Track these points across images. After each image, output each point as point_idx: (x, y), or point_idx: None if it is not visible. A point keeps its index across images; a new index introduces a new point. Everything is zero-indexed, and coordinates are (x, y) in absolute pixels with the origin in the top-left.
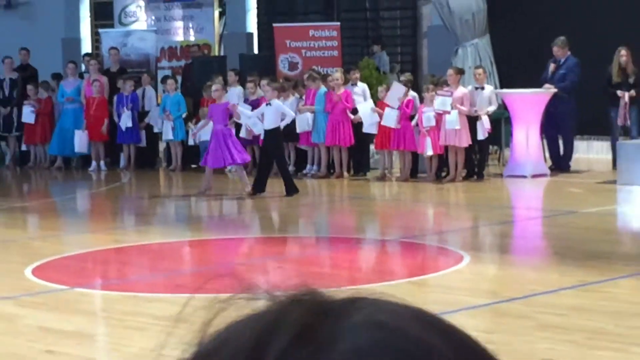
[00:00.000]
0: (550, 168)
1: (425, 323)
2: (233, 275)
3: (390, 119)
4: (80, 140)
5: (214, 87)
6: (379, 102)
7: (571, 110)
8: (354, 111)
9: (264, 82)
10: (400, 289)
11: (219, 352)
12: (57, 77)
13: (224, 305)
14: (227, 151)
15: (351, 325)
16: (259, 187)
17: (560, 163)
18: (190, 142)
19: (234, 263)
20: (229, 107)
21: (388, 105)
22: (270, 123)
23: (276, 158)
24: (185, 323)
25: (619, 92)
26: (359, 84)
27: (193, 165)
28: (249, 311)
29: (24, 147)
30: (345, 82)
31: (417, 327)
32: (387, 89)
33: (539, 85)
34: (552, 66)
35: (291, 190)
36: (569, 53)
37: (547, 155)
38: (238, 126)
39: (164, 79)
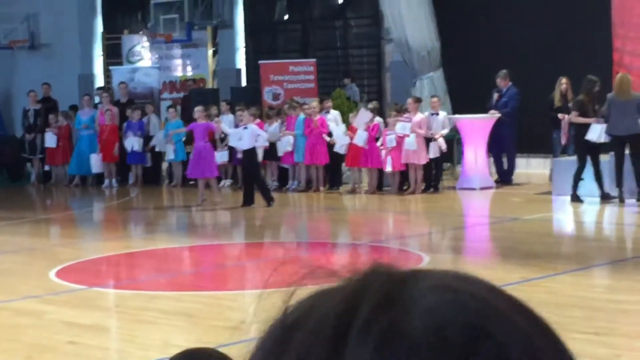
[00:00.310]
0: (496, 181)
1: (489, 288)
2: (301, 262)
3: (361, 139)
4: (95, 162)
5: (196, 109)
6: (350, 127)
7: (512, 132)
8: (329, 134)
9: (239, 108)
10: None
11: (308, 317)
12: (75, 107)
13: (303, 281)
14: (206, 165)
15: (424, 290)
16: (248, 201)
17: (504, 177)
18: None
19: (215, 269)
20: (211, 125)
21: (357, 129)
22: (246, 144)
23: (253, 173)
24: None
25: (560, 116)
26: (332, 111)
27: (191, 182)
28: (326, 290)
29: (46, 168)
30: (321, 110)
31: (483, 290)
32: (357, 115)
33: (485, 111)
34: (495, 95)
35: (268, 200)
36: (510, 83)
37: (493, 170)
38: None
39: (167, 109)
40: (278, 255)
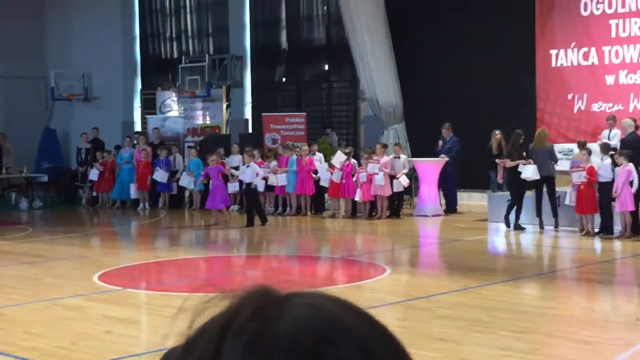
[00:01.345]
0: (444, 210)
1: (346, 306)
2: (214, 285)
3: (337, 176)
4: (133, 190)
5: (210, 158)
6: (331, 166)
7: (454, 171)
8: (315, 172)
9: (247, 150)
10: (344, 292)
11: (203, 334)
12: (118, 147)
13: (207, 304)
14: (218, 198)
15: (292, 306)
16: (250, 222)
17: (450, 207)
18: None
19: (224, 274)
20: (221, 167)
21: (336, 168)
22: (248, 178)
23: (253, 200)
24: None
25: (497, 160)
26: (317, 153)
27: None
28: (223, 305)
29: (94, 194)
30: (309, 152)
31: (339, 308)
32: (334, 157)
33: (434, 156)
34: (440, 143)
35: (263, 221)
36: (452, 134)
37: (443, 201)
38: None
39: (189, 149)
40: (272, 266)
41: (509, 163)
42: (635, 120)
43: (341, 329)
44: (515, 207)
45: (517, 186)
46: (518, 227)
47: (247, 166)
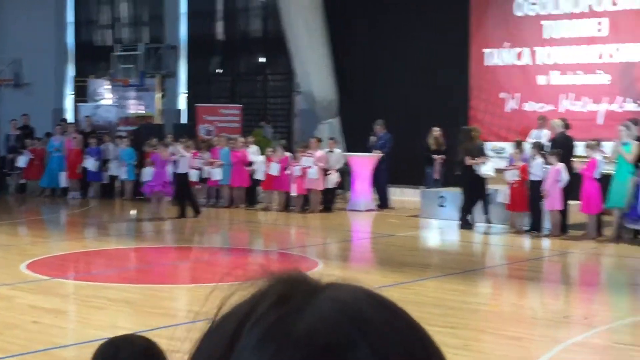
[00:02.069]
0: (377, 205)
1: (378, 304)
2: (250, 265)
3: (274, 169)
4: (63, 178)
5: (160, 148)
6: (267, 158)
7: (387, 167)
8: (249, 164)
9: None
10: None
11: (226, 319)
12: (48, 134)
13: (237, 287)
14: (162, 183)
15: (318, 299)
16: (182, 213)
17: (383, 202)
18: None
19: (154, 266)
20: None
21: (273, 160)
22: (182, 169)
23: (186, 191)
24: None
25: (434, 156)
26: (252, 146)
27: (138, 197)
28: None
29: (22, 181)
30: (244, 144)
31: (370, 306)
32: (274, 151)
33: (367, 151)
34: (373, 138)
35: (197, 212)
36: (385, 130)
37: (376, 196)
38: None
39: (120, 137)
40: (204, 258)
41: (470, 161)
42: (565, 120)
43: (368, 331)
44: (472, 204)
45: (474, 184)
46: (467, 224)
47: (182, 156)
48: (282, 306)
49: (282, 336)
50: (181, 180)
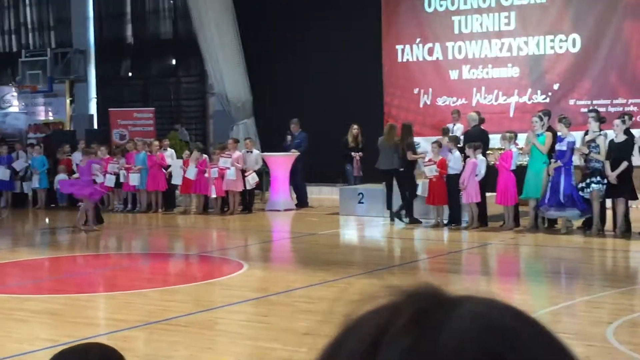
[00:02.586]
0: (296, 205)
1: (519, 318)
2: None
3: (191, 173)
4: None
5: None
6: (184, 161)
7: (303, 166)
8: (166, 167)
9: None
10: (202, 289)
11: (356, 329)
12: None
13: (369, 298)
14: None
15: (458, 315)
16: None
17: (301, 201)
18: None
19: (73, 275)
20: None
21: (189, 163)
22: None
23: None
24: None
25: (353, 154)
26: (168, 149)
27: (52, 205)
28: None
29: None
30: (159, 147)
31: (513, 320)
32: (190, 154)
33: (283, 150)
34: (289, 137)
35: (99, 220)
36: (300, 129)
37: (294, 196)
38: None
39: (32, 145)
40: (124, 264)
41: (413, 156)
42: (479, 114)
43: (515, 346)
44: (413, 199)
45: (412, 180)
46: (414, 220)
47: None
48: (420, 323)
49: (427, 354)
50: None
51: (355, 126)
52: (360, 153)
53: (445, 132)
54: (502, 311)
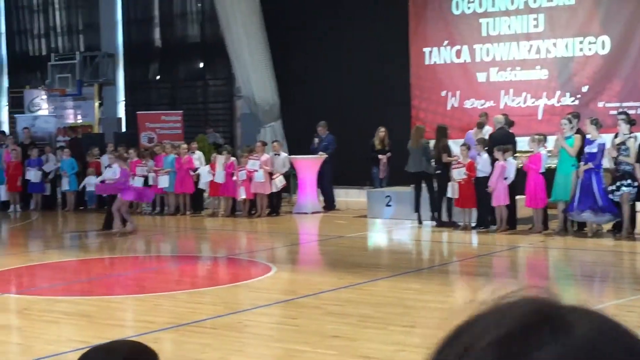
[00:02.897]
0: (323, 207)
1: (621, 343)
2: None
3: (219, 177)
4: (3, 191)
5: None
6: (211, 164)
7: (331, 169)
8: (194, 170)
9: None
10: (231, 291)
11: (450, 345)
12: None
13: (501, 297)
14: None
15: (560, 337)
16: (108, 225)
17: (329, 204)
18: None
19: (103, 277)
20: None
21: (217, 166)
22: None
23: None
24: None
25: (379, 156)
26: (197, 152)
27: (81, 207)
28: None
29: None
30: (188, 150)
31: (616, 348)
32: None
33: (311, 153)
34: (316, 140)
35: (124, 222)
36: (327, 131)
37: (321, 198)
38: None
39: (61, 148)
40: (152, 267)
41: (448, 158)
42: (507, 116)
43: None
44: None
45: (445, 181)
46: (447, 223)
47: (109, 166)
48: (507, 345)
49: None
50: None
51: (382, 129)
52: (388, 154)
53: (481, 125)
54: (608, 335)
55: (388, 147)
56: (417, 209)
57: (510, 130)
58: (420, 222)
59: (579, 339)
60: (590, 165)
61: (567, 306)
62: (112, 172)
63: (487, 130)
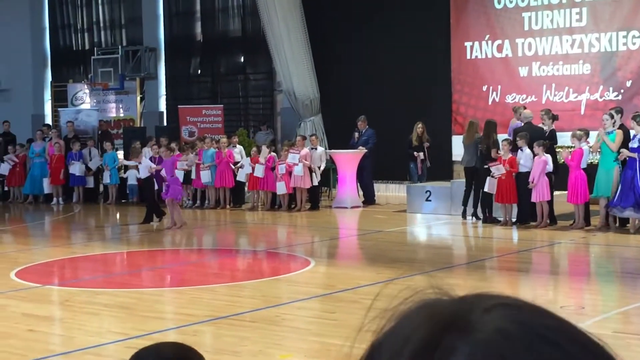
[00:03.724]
0: (362, 202)
1: (539, 333)
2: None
3: (259, 171)
4: (46, 184)
5: (162, 150)
6: (252, 158)
7: (371, 163)
8: (234, 164)
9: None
10: (270, 284)
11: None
12: (30, 140)
13: (409, 297)
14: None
15: (472, 341)
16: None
17: (368, 198)
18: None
19: (144, 269)
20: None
21: (259, 162)
22: (143, 174)
23: (150, 195)
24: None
25: (416, 153)
26: (238, 146)
27: (123, 200)
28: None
29: (5, 188)
30: (228, 144)
31: (527, 342)
32: (259, 152)
33: (350, 148)
34: (356, 135)
35: (159, 214)
36: (367, 126)
37: (360, 193)
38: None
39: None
40: (193, 260)
41: (497, 154)
42: (549, 111)
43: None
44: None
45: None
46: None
47: (140, 163)
48: (429, 351)
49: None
50: (145, 184)
51: (419, 124)
52: (425, 150)
53: (515, 110)
54: (524, 332)
55: (427, 143)
56: (465, 203)
57: (553, 126)
58: (464, 217)
59: (486, 332)
60: (629, 152)
61: (464, 302)
62: (145, 166)
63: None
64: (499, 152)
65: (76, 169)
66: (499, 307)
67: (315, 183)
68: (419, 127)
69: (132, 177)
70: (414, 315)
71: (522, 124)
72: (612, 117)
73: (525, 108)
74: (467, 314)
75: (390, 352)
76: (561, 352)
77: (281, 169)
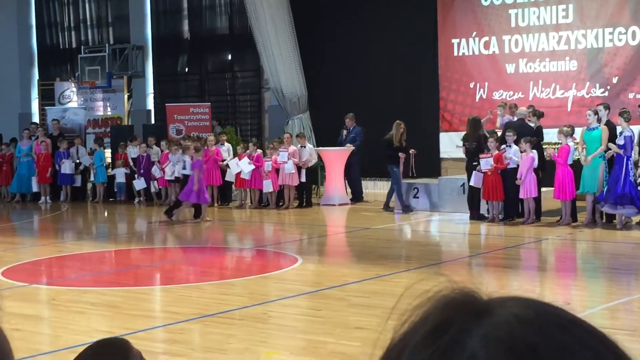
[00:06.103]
0: (350, 199)
1: (544, 324)
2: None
3: (247, 170)
4: (34, 183)
5: (189, 150)
6: (239, 156)
7: (359, 161)
8: (222, 161)
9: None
10: (256, 283)
11: (391, 349)
12: (15, 139)
13: (426, 296)
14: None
15: (480, 327)
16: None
17: (356, 196)
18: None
19: (130, 268)
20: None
21: (244, 158)
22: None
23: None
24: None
25: (400, 154)
26: (226, 144)
27: (110, 199)
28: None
29: None
30: (216, 142)
31: (534, 330)
32: (246, 149)
33: (338, 145)
34: (344, 132)
35: (198, 214)
36: (355, 123)
37: (348, 190)
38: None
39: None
40: (181, 258)
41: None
42: (534, 108)
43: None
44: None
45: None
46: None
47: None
48: (437, 337)
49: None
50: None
51: (402, 124)
52: (412, 150)
53: (502, 105)
54: (529, 321)
55: (405, 144)
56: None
57: (540, 122)
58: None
59: (502, 317)
60: (617, 149)
61: (485, 294)
62: (181, 165)
63: (507, 118)
64: (489, 144)
65: (67, 167)
66: (516, 298)
67: (303, 180)
68: (401, 127)
69: (119, 175)
70: (432, 305)
71: (515, 119)
72: (595, 113)
73: (516, 106)
74: (484, 302)
75: (408, 335)
76: (574, 339)
77: (267, 166)
